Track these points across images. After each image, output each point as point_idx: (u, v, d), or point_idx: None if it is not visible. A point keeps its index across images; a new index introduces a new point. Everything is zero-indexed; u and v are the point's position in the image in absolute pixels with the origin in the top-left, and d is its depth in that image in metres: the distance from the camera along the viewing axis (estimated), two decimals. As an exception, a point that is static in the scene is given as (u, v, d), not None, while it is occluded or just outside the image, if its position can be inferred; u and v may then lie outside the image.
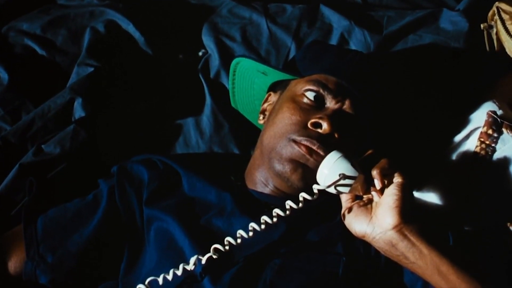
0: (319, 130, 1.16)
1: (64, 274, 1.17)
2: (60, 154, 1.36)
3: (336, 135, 1.17)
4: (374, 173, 1.06)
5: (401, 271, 1.12)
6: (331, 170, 1.08)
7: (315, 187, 1.08)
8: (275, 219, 1.09)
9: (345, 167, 1.07)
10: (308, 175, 1.15)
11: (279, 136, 1.19)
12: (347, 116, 1.20)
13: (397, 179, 1.06)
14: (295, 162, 1.17)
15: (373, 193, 1.07)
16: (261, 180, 1.24)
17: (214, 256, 1.07)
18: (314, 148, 1.15)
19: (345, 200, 1.11)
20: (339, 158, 1.08)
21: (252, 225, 1.09)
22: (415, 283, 1.10)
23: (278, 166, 1.18)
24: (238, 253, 1.10)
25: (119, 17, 1.62)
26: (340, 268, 1.10)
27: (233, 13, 1.69)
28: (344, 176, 1.07)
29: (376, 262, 1.13)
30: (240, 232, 1.08)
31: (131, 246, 1.21)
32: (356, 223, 1.07)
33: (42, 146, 1.38)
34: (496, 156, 1.24)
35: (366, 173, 1.07)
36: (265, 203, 1.21)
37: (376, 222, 1.05)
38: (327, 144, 1.15)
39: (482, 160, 1.25)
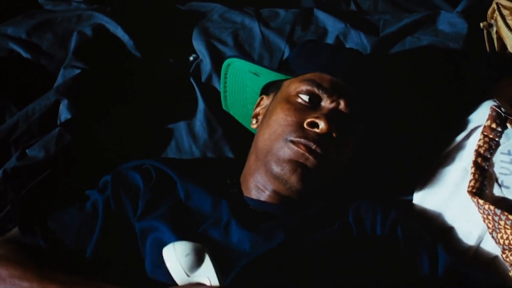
0: (316, 130, 1.14)
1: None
2: (45, 159, 1.32)
3: (333, 134, 1.15)
4: None
5: (402, 280, 1.09)
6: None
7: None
8: None
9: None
10: (308, 175, 1.14)
11: (275, 138, 1.17)
12: (343, 115, 1.19)
13: None
14: (294, 163, 1.14)
15: None
16: (257, 186, 1.21)
17: None
18: (313, 148, 1.13)
19: None
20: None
21: None
22: None
23: (276, 168, 1.16)
24: (234, 263, 1.05)
25: (107, 21, 1.58)
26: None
27: (224, 18, 1.67)
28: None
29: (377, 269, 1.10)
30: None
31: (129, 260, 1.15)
32: None
33: (26, 150, 1.34)
34: (500, 150, 1.22)
35: None
36: (261, 212, 1.18)
37: None
38: (325, 143, 1.14)
39: (485, 155, 1.23)
